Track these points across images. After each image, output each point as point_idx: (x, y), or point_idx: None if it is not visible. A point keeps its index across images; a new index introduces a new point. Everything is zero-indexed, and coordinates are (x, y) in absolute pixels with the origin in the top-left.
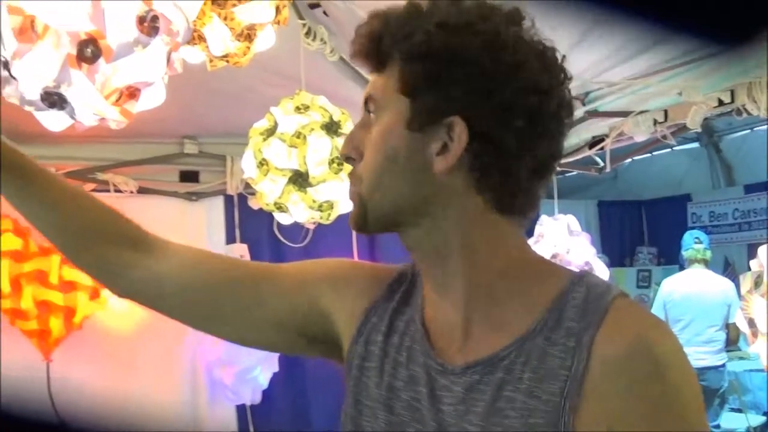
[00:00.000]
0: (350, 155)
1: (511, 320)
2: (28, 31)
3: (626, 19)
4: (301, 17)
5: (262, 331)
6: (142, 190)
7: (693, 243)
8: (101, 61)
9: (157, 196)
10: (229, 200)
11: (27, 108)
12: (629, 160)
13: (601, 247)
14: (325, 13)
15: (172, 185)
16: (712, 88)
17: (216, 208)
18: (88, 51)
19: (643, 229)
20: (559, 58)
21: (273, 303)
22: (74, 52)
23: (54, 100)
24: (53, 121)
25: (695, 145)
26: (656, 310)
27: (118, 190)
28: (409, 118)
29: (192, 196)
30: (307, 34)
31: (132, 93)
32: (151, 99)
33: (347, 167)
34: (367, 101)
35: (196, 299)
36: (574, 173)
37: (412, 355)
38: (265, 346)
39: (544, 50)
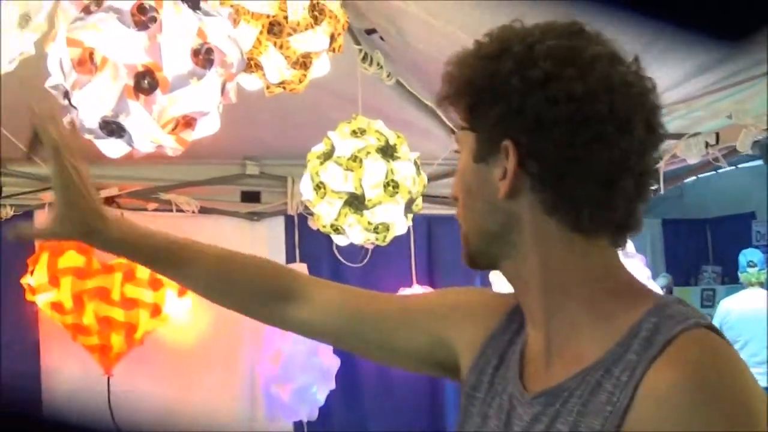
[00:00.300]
0: (454, 196)
1: (585, 350)
2: (87, 62)
3: (678, 41)
4: (357, 43)
5: (403, 358)
6: (203, 210)
7: (747, 266)
8: (158, 92)
9: (219, 216)
10: (289, 220)
11: (87, 136)
12: (693, 178)
13: (665, 265)
14: (381, 38)
15: (233, 205)
16: (761, 110)
17: (277, 227)
18: (145, 83)
19: (708, 247)
20: (617, 62)
21: (407, 334)
22: (132, 83)
23: (112, 128)
24: (112, 148)
25: (760, 162)
26: None
27: (180, 210)
28: (474, 150)
29: (253, 216)
30: (364, 59)
31: (188, 122)
32: (207, 127)
33: (403, 190)
34: (457, 141)
35: (343, 336)
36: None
37: (506, 385)
38: (407, 369)
39: (583, 57)
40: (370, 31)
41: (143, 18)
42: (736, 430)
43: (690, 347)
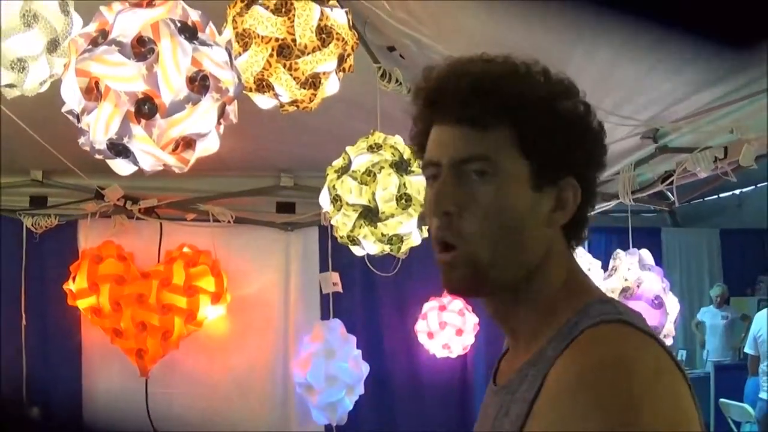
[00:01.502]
0: (450, 211)
1: (530, 347)
2: (93, 90)
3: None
4: (376, 61)
5: None
6: (239, 220)
7: None
8: (157, 116)
9: (254, 226)
10: (323, 230)
11: (97, 156)
12: (752, 187)
13: (722, 275)
14: (401, 55)
15: (269, 216)
16: (763, 126)
17: (311, 237)
18: (146, 108)
19: (766, 258)
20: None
21: None
22: (133, 109)
23: (119, 149)
24: (121, 167)
25: None
26: (748, 344)
27: (216, 220)
28: (532, 179)
29: (288, 227)
30: (383, 76)
31: (188, 143)
32: (207, 147)
33: (416, 204)
34: (476, 160)
35: None
36: (698, 200)
37: (487, 391)
38: None
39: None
40: (391, 49)
41: (142, 49)
42: (608, 415)
43: (585, 341)
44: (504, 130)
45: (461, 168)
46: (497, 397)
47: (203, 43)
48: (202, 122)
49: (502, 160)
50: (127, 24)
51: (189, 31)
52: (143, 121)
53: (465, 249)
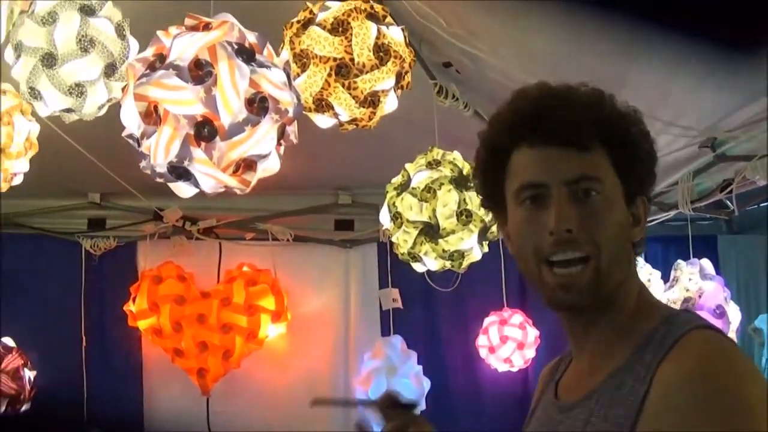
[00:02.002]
0: (572, 229)
1: (612, 357)
2: (152, 114)
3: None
4: (432, 77)
5: None
6: (298, 239)
7: None
8: (217, 139)
9: (313, 244)
10: (382, 247)
11: (158, 179)
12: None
13: None
14: (457, 71)
15: (327, 233)
16: None
17: (370, 254)
18: (205, 131)
19: None
20: None
21: None
22: (192, 132)
23: (180, 172)
24: (182, 189)
25: None
26: None
27: (275, 239)
28: (626, 196)
29: (347, 244)
30: (439, 92)
31: (248, 164)
32: (267, 168)
33: (476, 219)
34: (586, 179)
35: None
36: (753, 207)
37: (545, 407)
38: None
39: None
40: (447, 65)
41: (200, 73)
42: (728, 412)
43: (690, 343)
44: (601, 151)
45: (571, 188)
46: (578, 408)
47: (261, 65)
48: (262, 143)
49: (604, 179)
50: (184, 48)
51: (246, 53)
52: (203, 144)
53: (593, 262)
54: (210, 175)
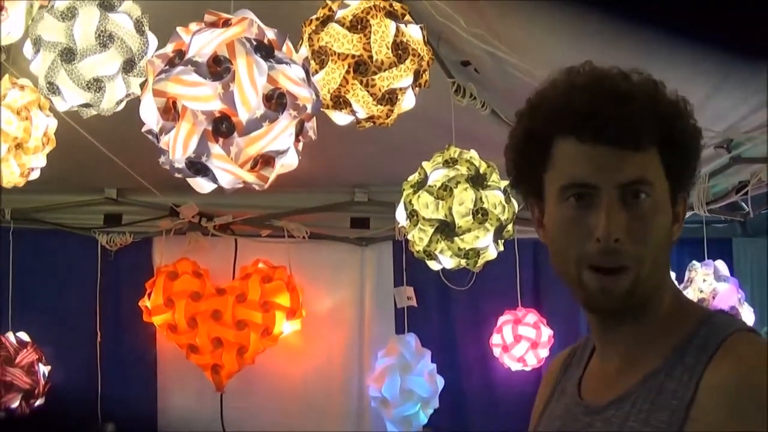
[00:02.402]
0: (621, 239)
1: (646, 359)
2: (171, 110)
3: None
4: (450, 76)
5: None
6: (314, 236)
7: None
8: (235, 134)
9: (329, 242)
10: (397, 245)
11: (176, 175)
12: None
13: None
14: (476, 70)
15: (343, 231)
16: None
17: (385, 252)
18: (223, 127)
19: None
20: None
21: None
22: (210, 128)
23: (198, 168)
24: (201, 185)
25: None
26: None
27: (291, 236)
28: (671, 198)
29: (362, 242)
30: (457, 91)
31: (267, 160)
32: (286, 164)
33: (492, 218)
34: (639, 183)
35: None
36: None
37: (568, 407)
38: None
39: None
40: (465, 63)
41: (218, 69)
42: None
43: (739, 347)
44: (654, 150)
45: (622, 190)
46: (611, 411)
47: (280, 61)
48: (280, 139)
49: (656, 181)
50: (203, 44)
51: (265, 50)
52: (221, 140)
53: (635, 271)
54: (228, 170)
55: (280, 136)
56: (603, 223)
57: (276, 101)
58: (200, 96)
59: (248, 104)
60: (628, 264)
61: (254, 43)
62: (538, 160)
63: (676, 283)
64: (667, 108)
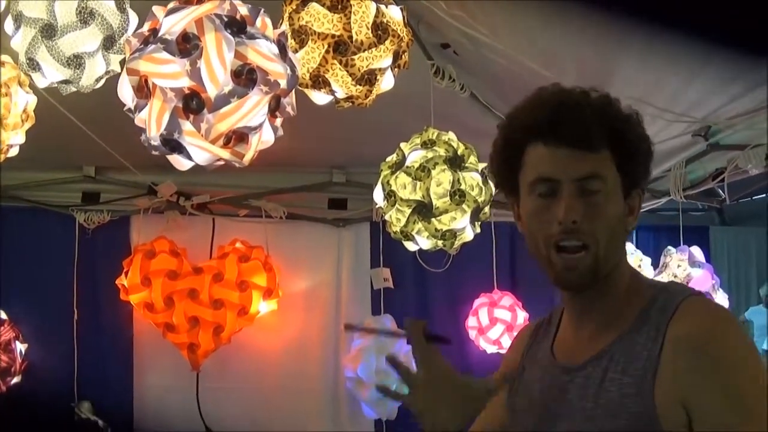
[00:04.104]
0: (578, 221)
1: (616, 323)
2: (144, 88)
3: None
4: (429, 58)
5: None
6: (291, 216)
7: None
8: (205, 111)
9: (306, 222)
10: (374, 226)
11: (154, 152)
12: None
13: None
14: (455, 52)
15: (320, 212)
16: None
17: (362, 233)
18: (193, 103)
19: None
20: None
21: None
22: (181, 105)
23: (173, 145)
24: (180, 162)
25: None
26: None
27: (269, 216)
28: (624, 189)
29: (339, 223)
30: (436, 73)
31: (240, 136)
32: (262, 140)
33: (469, 199)
34: (592, 177)
35: None
36: (747, 200)
37: (544, 370)
38: None
39: None
40: (445, 46)
41: (188, 46)
42: (741, 350)
43: (694, 306)
44: (606, 151)
45: (579, 184)
46: (589, 368)
47: (252, 37)
48: (252, 115)
49: (608, 176)
50: (174, 22)
51: (237, 26)
52: (192, 117)
53: (593, 249)
54: (201, 147)
55: (252, 112)
56: (563, 209)
57: (246, 77)
58: (169, 73)
59: (216, 80)
60: (586, 242)
61: (225, 19)
62: (514, 163)
63: (636, 268)
64: (616, 116)
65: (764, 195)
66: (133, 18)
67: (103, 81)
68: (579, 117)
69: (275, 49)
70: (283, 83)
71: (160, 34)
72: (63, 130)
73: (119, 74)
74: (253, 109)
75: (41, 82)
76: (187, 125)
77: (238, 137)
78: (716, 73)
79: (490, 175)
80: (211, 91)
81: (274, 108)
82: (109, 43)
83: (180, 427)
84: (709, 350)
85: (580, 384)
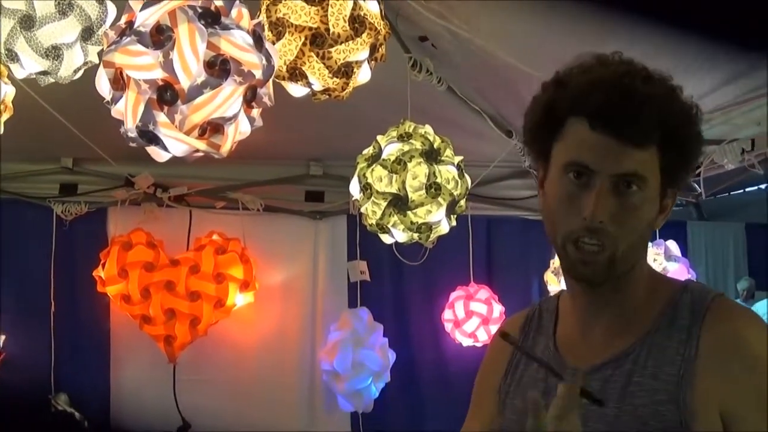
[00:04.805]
0: (605, 221)
1: (635, 324)
2: (120, 80)
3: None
4: (407, 51)
5: None
6: (269, 209)
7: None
8: (179, 102)
9: (283, 215)
10: (351, 219)
11: (132, 144)
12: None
13: (747, 269)
14: (433, 45)
15: (298, 204)
16: None
17: (339, 226)
18: (167, 95)
19: None
20: None
21: None
22: (155, 96)
23: (150, 137)
24: (159, 153)
25: None
26: None
27: (246, 208)
28: (662, 191)
29: (316, 215)
30: (413, 66)
31: (215, 127)
32: (238, 131)
33: (445, 193)
34: (632, 176)
35: None
36: (724, 195)
37: (545, 373)
38: None
39: None
40: (423, 39)
41: (161, 38)
42: None
43: (725, 308)
44: (654, 149)
45: (616, 180)
46: (607, 370)
47: (226, 28)
48: (226, 106)
49: (649, 178)
50: (149, 14)
51: (211, 17)
52: (166, 108)
53: (611, 249)
54: (176, 138)
55: (227, 103)
56: (591, 205)
57: (219, 68)
58: (142, 65)
59: (189, 71)
60: (606, 243)
61: (199, 10)
62: (551, 129)
63: None
64: (675, 114)
65: (741, 191)
66: (112, 9)
67: (81, 72)
68: (636, 107)
69: (250, 40)
70: (258, 74)
71: (135, 27)
72: (41, 121)
73: (97, 65)
74: (227, 100)
75: (19, 73)
76: (161, 117)
77: (213, 128)
78: (692, 67)
79: (525, 131)
80: (184, 83)
81: (250, 99)
82: (87, 34)
83: (157, 419)
84: (747, 355)
85: (597, 388)
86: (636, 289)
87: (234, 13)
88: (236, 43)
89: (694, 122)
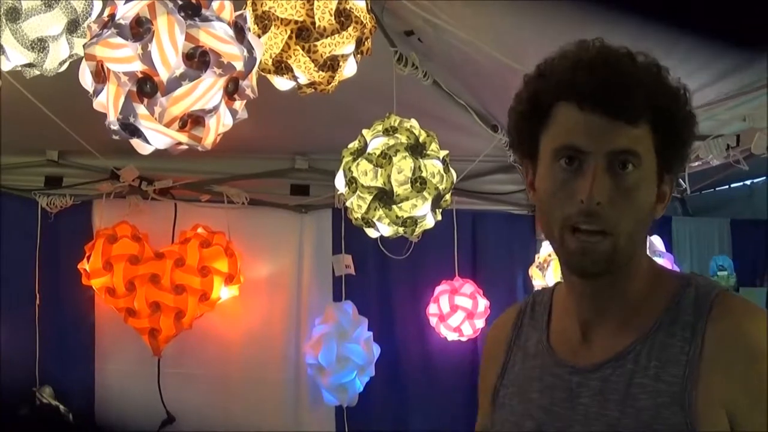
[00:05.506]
0: (602, 202)
1: (636, 320)
2: (101, 73)
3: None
4: (393, 45)
5: None
6: (254, 202)
7: (717, 270)
8: (158, 94)
9: (268, 208)
10: (336, 213)
11: (115, 137)
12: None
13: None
14: (419, 39)
15: (283, 198)
16: None
17: (324, 220)
18: (147, 87)
19: None
20: None
21: None
22: (134, 89)
23: (132, 129)
24: (140, 146)
25: None
26: None
27: (231, 202)
28: (659, 174)
29: (301, 209)
30: (399, 60)
31: (196, 120)
32: (219, 123)
33: (430, 187)
34: (627, 153)
35: None
36: (710, 191)
37: (545, 368)
38: None
39: None
40: (408, 33)
41: (140, 30)
42: None
43: (731, 304)
44: (647, 126)
45: (611, 158)
46: (607, 370)
47: (206, 19)
48: (207, 98)
49: (644, 154)
50: (129, 6)
51: (191, 8)
52: (146, 100)
53: (613, 238)
54: (157, 130)
55: (207, 95)
56: (587, 186)
57: (198, 59)
58: (122, 57)
59: (168, 63)
60: (606, 229)
61: (179, 2)
62: (538, 121)
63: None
64: (665, 91)
65: (726, 186)
66: (97, 2)
67: (66, 65)
68: (625, 84)
69: (230, 32)
70: (239, 65)
71: (116, 19)
72: (26, 113)
73: (83, 58)
74: (207, 91)
75: (5, 66)
76: (141, 109)
77: (194, 120)
78: (678, 63)
79: (509, 131)
80: (163, 75)
81: (232, 91)
82: (73, 26)
83: (141, 412)
84: (752, 353)
85: (597, 388)
86: (636, 282)
87: (215, 5)
88: (216, 35)
89: (684, 101)
